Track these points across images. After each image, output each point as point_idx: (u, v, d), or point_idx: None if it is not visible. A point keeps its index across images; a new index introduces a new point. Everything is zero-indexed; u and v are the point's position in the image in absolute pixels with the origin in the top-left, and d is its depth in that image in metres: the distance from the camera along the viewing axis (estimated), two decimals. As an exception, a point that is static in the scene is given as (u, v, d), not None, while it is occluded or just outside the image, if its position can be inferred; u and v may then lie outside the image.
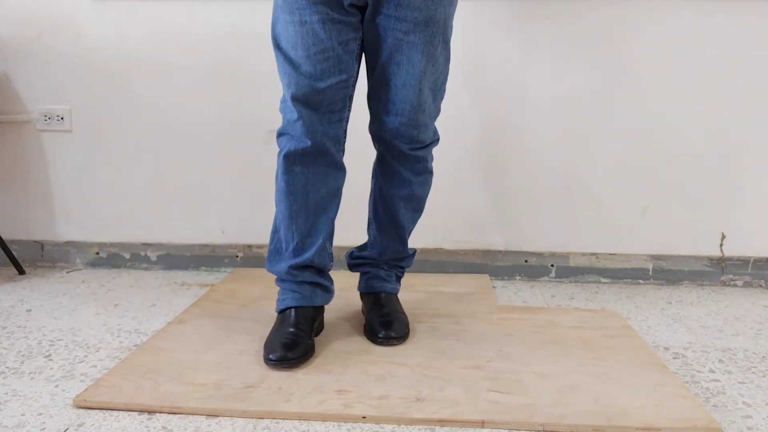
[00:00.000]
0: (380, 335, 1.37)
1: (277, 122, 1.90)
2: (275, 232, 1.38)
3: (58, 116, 1.98)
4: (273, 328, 1.35)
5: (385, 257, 1.50)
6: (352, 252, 1.55)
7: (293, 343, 1.27)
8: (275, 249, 1.38)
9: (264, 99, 1.92)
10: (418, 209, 1.47)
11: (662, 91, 1.84)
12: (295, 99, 1.26)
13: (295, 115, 1.27)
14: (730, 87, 1.82)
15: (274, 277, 1.46)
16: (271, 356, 1.24)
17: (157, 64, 1.93)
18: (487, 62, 1.86)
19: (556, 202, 1.92)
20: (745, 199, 1.87)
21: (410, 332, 1.43)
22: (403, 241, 1.49)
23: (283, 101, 1.31)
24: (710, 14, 1.79)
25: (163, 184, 2.00)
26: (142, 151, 1.99)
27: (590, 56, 1.83)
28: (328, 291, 1.40)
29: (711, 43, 1.81)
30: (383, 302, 1.46)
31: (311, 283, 1.37)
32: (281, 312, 1.37)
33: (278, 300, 1.39)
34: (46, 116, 1.98)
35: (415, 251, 1.56)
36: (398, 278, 1.54)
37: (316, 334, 1.40)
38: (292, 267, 1.35)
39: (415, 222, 1.49)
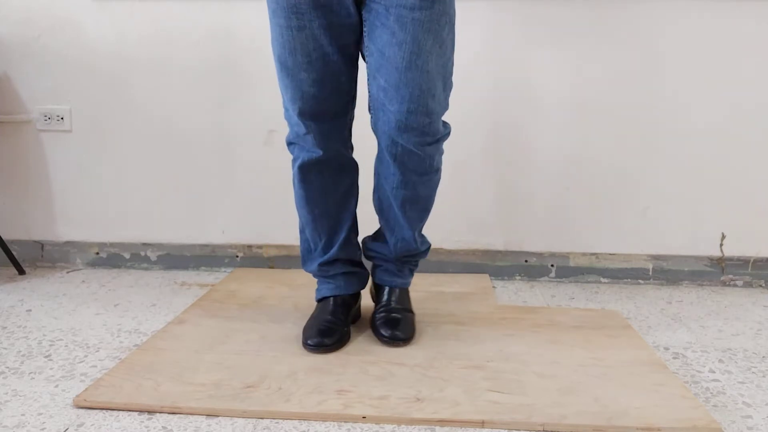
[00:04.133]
0: (386, 335, 1.37)
1: (277, 122, 1.90)
2: (302, 232, 1.45)
3: (58, 116, 1.98)
4: (312, 314, 1.43)
5: (397, 254, 1.44)
6: (365, 240, 1.51)
7: (329, 330, 1.35)
8: (306, 249, 1.47)
9: (264, 99, 1.91)
10: (425, 209, 1.40)
11: (662, 92, 1.83)
12: (302, 114, 1.29)
13: (303, 129, 1.31)
14: (731, 87, 1.82)
15: (274, 276, 1.48)
16: (309, 342, 1.33)
17: (157, 64, 1.93)
18: (490, 61, 1.85)
19: (556, 202, 1.91)
20: (745, 199, 1.87)
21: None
22: (414, 240, 1.42)
23: (286, 109, 1.33)
24: (709, 16, 1.79)
25: (163, 184, 2.00)
26: (142, 150, 1.98)
27: (591, 58, 1.83)
28: (361, 277, 1.48)
29: (710, 44, 1.81)
30: (392, 297, 1.46)
31: (343, 274, 1.45)
32: (320, 301, 1.45)
33: (316, 290, 1.47)
34: (46, 116, 1.98)
35: (429, 245, 1.49)
36: (411, 271, 1.50)
37: (353, 322, 1.47)
38: (321, 264, 1.43)
39: (423, 221, 1.42)
